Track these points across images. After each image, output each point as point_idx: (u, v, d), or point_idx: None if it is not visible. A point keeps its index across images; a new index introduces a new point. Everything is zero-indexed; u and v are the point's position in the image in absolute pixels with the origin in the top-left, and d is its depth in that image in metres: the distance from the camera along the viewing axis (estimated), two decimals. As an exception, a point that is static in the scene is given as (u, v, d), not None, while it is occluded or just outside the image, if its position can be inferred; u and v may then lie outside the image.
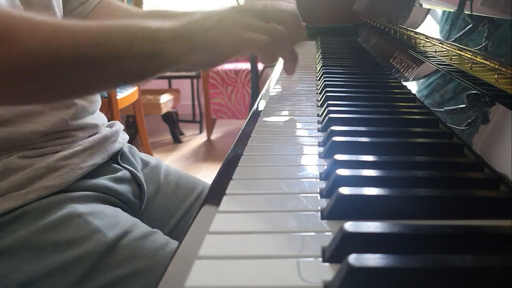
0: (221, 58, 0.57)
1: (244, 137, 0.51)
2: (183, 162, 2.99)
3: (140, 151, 0.85)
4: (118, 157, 0.74)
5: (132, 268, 0.58)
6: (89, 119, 0.71)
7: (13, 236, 0.57)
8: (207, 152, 3.25)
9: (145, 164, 0.82)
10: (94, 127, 0.72)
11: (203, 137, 3.54)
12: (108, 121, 0.79)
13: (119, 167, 0.73)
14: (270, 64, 0.71)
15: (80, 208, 0.61)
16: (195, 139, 3.52)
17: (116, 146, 0.74)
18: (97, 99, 0.76)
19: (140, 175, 0.75)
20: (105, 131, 0.73)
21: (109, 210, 0.64)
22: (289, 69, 0.66)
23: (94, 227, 0.59)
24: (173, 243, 0.63)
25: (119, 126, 0.78)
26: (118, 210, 0.66)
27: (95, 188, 0.66)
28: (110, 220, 0.62)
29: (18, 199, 0.59)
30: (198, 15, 0.58)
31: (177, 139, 3.45)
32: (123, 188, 0.70)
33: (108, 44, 0.52)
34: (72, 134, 0.68)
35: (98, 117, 0.75)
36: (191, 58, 0.55)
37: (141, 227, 0.63)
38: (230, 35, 0.56)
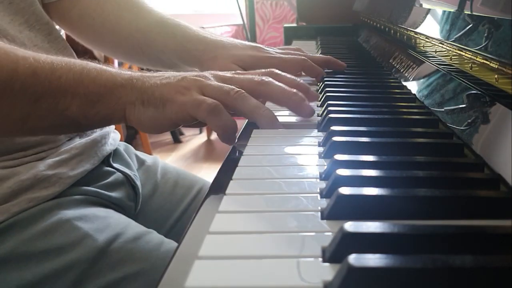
0: (169, 121, 0.50)
1: (244, 137, 0.51)
2: (183, 162, 2.99)
3: (139, 151, 0.84)
4: (110, 159, 0.71)
5: (125, 271, 0.57)
6: None
7: (1, 248, 0.55)
8: (207, 152, 3.25)
9: (141, 163, 0.79)
10: None
11: (203, 137, 3.54)
12: None
13: (112, 169, 0.70)
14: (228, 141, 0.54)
15: (69, 213, 0.59)
16: (195, 139, 3.52)
17: (107, 149, 0.70)
18: None
19: (135, 175, 0.73)
20: (94, 133, 0.69)
21: (99, 212, 0.61)
22: (223, 139, 0.51)
23: (83, 232, 0.57)
24: (168, 243, 0.61)
25: (109, 126, 0.74)
26: (110, 211, 0.64)
27: (85, 193, 0.63)
28: (101, 222, 0.59)
29: (2, 213, 0.56)
30: (166, 72, 0.53)
31: (177, 139, 3.45)
32: (116, 194, 0.67)
33: (53, 76, 0.48)
34: (54, 137, 0.63)
35: None
36: (138, 113, 0.50)
37: (134, 228, 0.61)
38: (181, 95, 0.50)
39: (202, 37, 0.77)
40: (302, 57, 0.77)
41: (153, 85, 0.51)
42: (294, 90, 0.54)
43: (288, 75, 0.58)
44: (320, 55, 0.86)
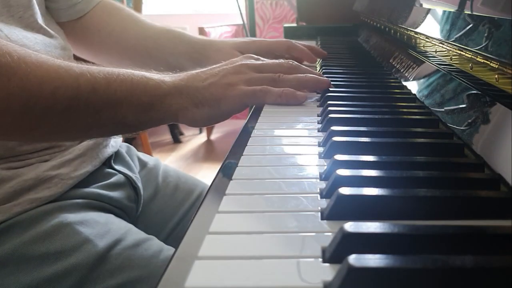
0: (225, 114, 0.58)
1: (244, 137, 0.51)
2: (183, 162, 2.99)
3: (139, 151, 0.84)
4: (111, 161, 0.71)
5: (124, 278, 0.56)
6: None
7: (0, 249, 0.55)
8: (207, 152, 3.25)
9: (143, 165, 0.80)
10: None
11: (203, 137, 3.54)
12: None
13: (113, 171, 0.70)
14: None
15: (70, 217, 0.58)
16: (195, 139, 3.52)
17: (108, 151, 0.70)
18: None
19: (136, 177, 0.73)
20: None
21: (100, 217, 0.61)
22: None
23: (84, 237, 0.57)
24: (168, 250, 0.61)
25: None
26: (111, 216, 0.64)
27: (87, 196, 0.63)
28: (101, 228, 0.59)
29: (3, 213, 0.56)
30: (199, 71, 0.59)
31: (177, 139, 3.45)
32: (117, 194, 0.67)
33: (109, 90, 0.52)
34: (60, 143, 0.64)
35: None
36: (192, 114, 0.57)
37: (134, 234, 0.61)
38: (232, 90, 0.57)
39: (205, 38, 0.89)
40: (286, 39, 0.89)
41: (200, 88, 0.57)
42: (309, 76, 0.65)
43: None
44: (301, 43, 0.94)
